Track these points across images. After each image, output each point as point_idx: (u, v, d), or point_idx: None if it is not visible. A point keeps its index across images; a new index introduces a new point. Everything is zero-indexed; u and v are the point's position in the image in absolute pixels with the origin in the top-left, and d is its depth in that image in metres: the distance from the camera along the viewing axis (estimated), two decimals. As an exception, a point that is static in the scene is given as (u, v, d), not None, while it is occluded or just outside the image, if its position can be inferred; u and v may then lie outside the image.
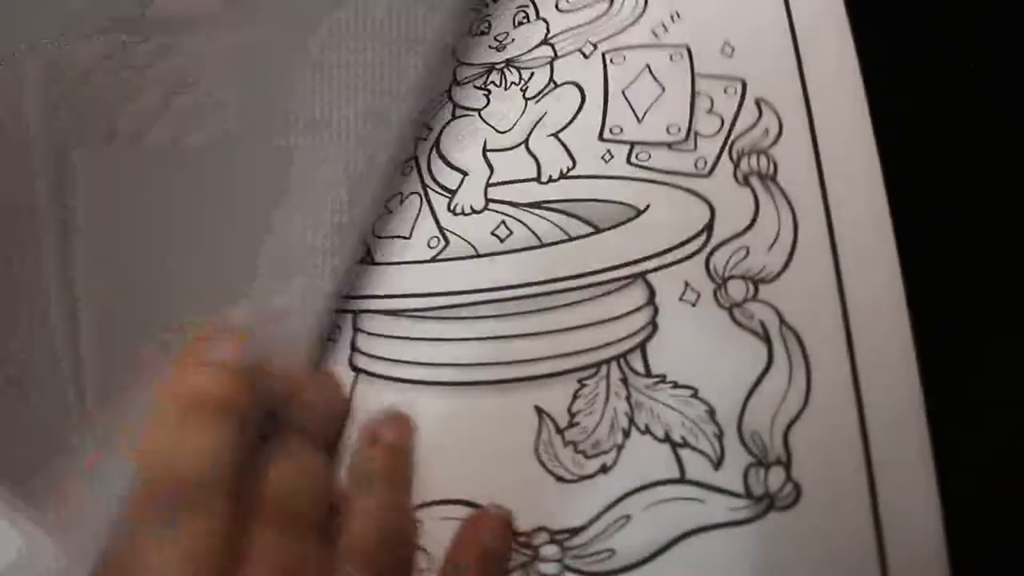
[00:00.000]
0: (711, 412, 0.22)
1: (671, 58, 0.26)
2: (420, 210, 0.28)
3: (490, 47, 0.30)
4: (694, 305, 0.23)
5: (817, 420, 0.21)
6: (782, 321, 0.22)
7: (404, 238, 0.27)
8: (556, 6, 0.30)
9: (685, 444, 0.21)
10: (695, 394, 0.22)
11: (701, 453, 0.21)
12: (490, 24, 0.31)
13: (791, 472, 0.20)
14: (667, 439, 0.22)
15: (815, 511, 0.20)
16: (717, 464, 0.21)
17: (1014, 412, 0.21)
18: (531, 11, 0.30)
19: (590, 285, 0.24)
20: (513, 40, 0.30)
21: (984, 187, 0.24)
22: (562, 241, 0.25)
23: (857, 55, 0.24)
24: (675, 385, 0.22)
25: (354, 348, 0.26)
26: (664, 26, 0.27)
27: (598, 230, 0.25)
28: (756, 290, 0.22)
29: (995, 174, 0.24)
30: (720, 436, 0.21)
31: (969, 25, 0.25)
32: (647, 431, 0.22)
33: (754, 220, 0.23)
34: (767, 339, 0.22)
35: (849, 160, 0.23)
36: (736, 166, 0.24)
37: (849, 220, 0.23)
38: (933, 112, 0.24)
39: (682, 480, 0.21)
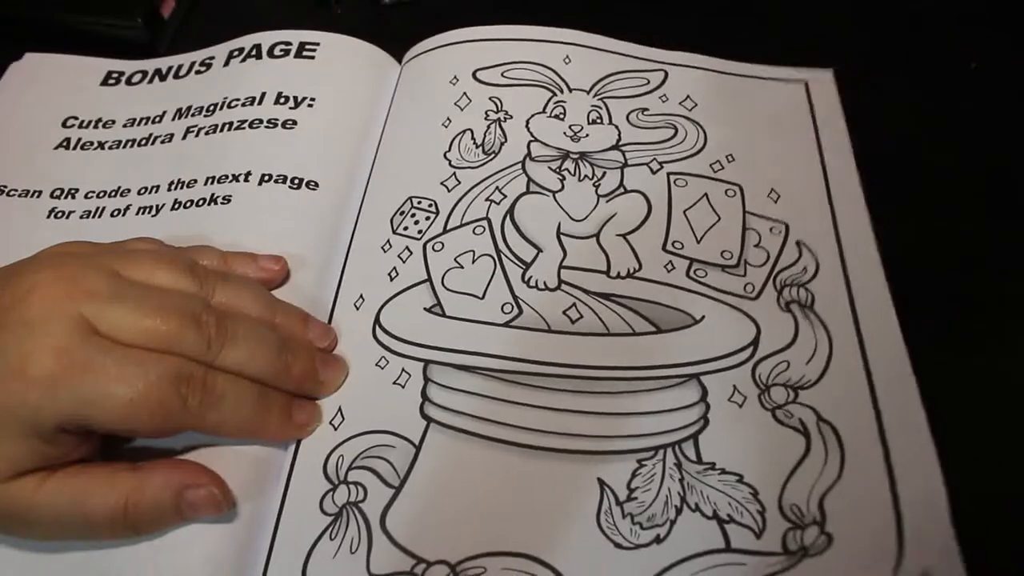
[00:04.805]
0: (755, 493, 0.25)
1: (727, 193, 0.31)
2: (493, 274, 0.30)
3: (565, 134, 0.33)
4: (741, 406, 0.27)
5: (850, 486, 0.25)
6: (819, 418, 0.27)
7: (476, 297, 0.29)
8: (627, 118, 0.34)
9: (731, 520, 0.25)
10: (741, 479, 0.26)
11: (745, 527, 0.25)
12: (564, 111, 0.34)
13: (824, 527, 0.24)
14: (715, 516, 0.25)
15: (844, 552, 0.24)
16: (759, 534, 0.25)
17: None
18: (604, 114, 0.34)
19: (652, 378, 0.27)
20: (588, 136, 0.33)
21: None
22: (628, 334, 0.28)
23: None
24: (723, 472, 0.26)
25: (425, 397, 0.27)
26: (720, 164, 0.32)
27: (659, 330, 0.29)
28: (796, 395, 0.27)
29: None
30: (763, 512, 0.25)
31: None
32: (697, 509, 0.25)
33: (794, 339, 0.28)
34: (806, 433, 0.26)
35: (875, 296, 0.29)
36: (779, 294, 0.29)
37: (876, 339, 0.28)
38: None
39: (727, 550, 0.25)
